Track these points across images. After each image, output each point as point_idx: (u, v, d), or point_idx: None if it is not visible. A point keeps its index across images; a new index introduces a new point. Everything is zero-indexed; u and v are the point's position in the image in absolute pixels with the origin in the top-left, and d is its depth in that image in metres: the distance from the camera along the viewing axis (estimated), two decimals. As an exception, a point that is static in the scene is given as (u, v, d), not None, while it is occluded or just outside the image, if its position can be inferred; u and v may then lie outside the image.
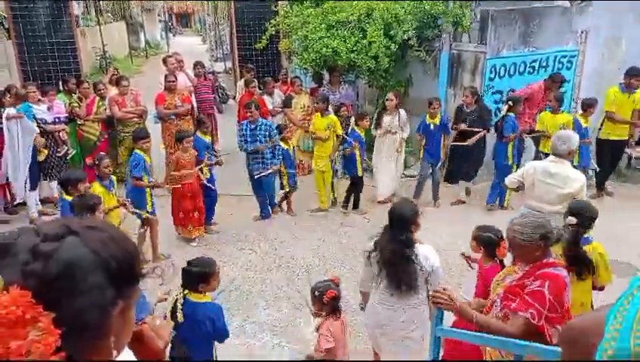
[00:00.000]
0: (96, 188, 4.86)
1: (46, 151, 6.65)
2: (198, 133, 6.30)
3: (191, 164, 5.89)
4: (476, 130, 6.61)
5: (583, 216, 3.40)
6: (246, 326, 4.53)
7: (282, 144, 6.71)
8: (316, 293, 3.35)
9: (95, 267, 0.88)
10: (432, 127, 6.75)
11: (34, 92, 6.71)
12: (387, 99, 6.91)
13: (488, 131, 6.73)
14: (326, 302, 3.30)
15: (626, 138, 7.11)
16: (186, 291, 3.19)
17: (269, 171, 6.40)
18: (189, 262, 3.29)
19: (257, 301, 4.92)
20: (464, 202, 7.09)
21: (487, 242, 3.47)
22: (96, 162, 5.02)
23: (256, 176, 6.43)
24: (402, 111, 6.95)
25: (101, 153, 5.32)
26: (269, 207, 6.78)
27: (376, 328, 3.38)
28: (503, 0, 7.32)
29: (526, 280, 2.59)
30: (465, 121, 6.68)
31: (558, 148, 4.33)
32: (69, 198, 4.51)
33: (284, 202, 7.01)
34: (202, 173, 6.05)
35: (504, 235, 3.34)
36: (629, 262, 5.29)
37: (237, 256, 5.82)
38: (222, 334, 3.29)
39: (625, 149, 7.38)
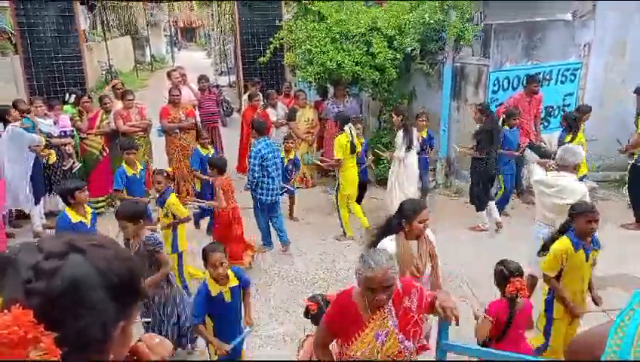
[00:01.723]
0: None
1: (53, 153, 6.68)
2: (197, 147, 6.34)
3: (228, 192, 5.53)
4: (475, 154, 6.38)
5: None
6: (248, 340, 4.50)
7: (281, 154, 6.72)
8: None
9: (99, 286, 0.87)
10: (419, 139, 6.80)
11: (40, 106, 6.77)
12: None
13: (480, 153, 6.34)
14: (311, 314, 3.25)
15: None
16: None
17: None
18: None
19: (260, 314, 4.89)
20: (486, 230, 6.55)
21: (497, 274, 3.41)
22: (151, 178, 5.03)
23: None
24: (401, 132, 6.55)
25: (156, 168, 5.18)
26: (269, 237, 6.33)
27: None
28: (505, 13, 7.36)
29: (404, 303, 2.55)
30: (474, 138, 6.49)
31: (567, 160, 4.38)
32: (67, 211, 4.39)
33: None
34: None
35: (522, 271, 3.39)
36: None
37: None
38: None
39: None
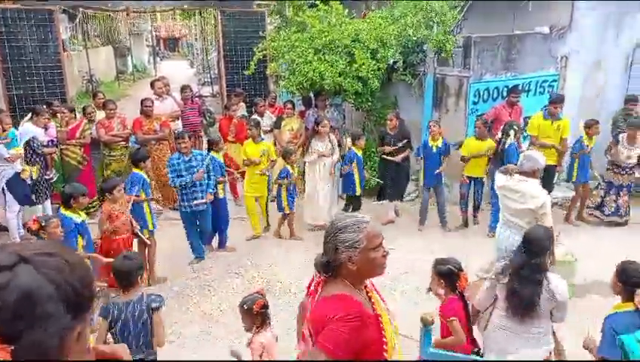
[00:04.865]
0: None
1: (28, 169, 6.51)
2: (212, 153, 6.25)
3: (121, 216, 5.05)
4: (400, 150, 6.99)
5: None
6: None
7: (288, 167, 6.71)
8: (245, 307, 3.30)
9: (51, 294, 0.87)
10: (433, 149, 6.80)
11: (46, 118, 6.84)
12: (322, 126, 6.87)
13: (412, 150, 7.11)
14: (256, 312, 3.28)
15: (555, 163, 6.88)
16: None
17: (204, 201, 5.94)
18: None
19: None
20: (393, 221, 7.19)
21: (446, 274, 3.35)
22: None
23: (194, 205, 5.92)
24: (332, 136, 7.09)
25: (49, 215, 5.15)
26: (203, 246, 6.33)
27: (498, 353, 3.28)
28: (485, 26, 7.52)
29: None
30: (390, 143, 7.02)
31: (524, 165, 4.52)
32: (66, 213, 4.54)
33: (284, 225, 6.92)
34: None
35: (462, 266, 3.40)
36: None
37: (223, 280, 5.76)
38: None
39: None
